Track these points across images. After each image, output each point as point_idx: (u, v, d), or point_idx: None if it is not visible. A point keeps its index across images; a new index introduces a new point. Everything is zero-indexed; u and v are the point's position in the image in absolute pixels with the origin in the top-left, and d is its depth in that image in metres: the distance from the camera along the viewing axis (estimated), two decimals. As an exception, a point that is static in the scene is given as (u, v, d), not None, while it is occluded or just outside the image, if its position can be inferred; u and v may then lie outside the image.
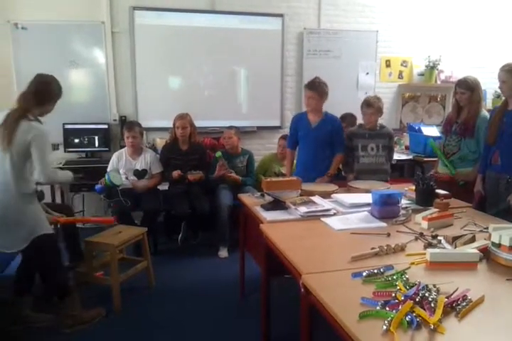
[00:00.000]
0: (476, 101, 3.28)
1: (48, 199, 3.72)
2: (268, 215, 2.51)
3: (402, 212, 2.51)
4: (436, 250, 1.89)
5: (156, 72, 4.72)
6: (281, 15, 4.87)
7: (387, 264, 1.77)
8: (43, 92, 2.55)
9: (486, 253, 1.85)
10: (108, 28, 4.50)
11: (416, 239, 2.14)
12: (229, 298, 3.17)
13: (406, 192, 2.90)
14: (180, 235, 4.24)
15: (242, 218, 3.06)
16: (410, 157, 4.82)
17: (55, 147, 4.58)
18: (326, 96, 3.48)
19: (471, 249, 1.86)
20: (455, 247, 1.97)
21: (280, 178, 2.90)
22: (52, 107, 2.65)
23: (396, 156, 4.42)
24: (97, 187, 3.75)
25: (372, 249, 1.95)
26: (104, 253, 3.25)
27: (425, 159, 4.61)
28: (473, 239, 2.02)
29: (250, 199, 2.92)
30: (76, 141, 4.52)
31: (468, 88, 3.27)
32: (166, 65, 4.74)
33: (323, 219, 2.44)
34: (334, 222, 2.38)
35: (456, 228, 2.29)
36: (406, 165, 4.99)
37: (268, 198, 2.74)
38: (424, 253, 1.84)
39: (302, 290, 1.71)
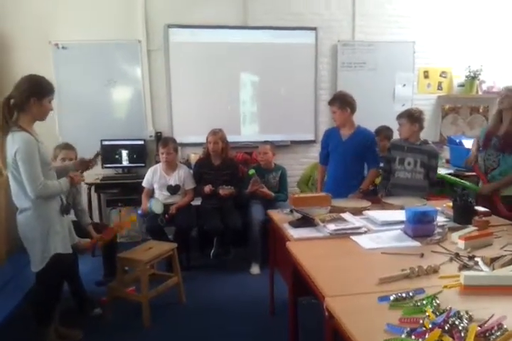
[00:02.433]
0: None
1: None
2: (295, 232, 2.45)
3: (438, 230, 2.39)
4: (472, 272, 1.78)
5: (191, 88, 4.78)
6: (314, 29, 4.84)
7: (418, 287, 1.67)
8: (15, 96, 2.35)
9: (526, 277, 1.72)
10: (144, 46, 4.61)
11: (451, 259, 2.02)
12: (258, 316, 3.11)
13: (444, 208, 2.77)
14: (212, 250, 4.23)
15: (271, 234, 3.00)
16: (451, 171, 4.62)
17: (94, 163, 4.71)
18: (351, 108, 3.39)
19: (511, 272, 1.73)
20: (493, 269, 1.85)
21: (309, 194, 2.83)
22: (43, 107, 2.41)
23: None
24: (139, 213, 4.00)
25: (403, 270, 1.85)
26: (136, 268, 3.27)
27: (467, 173, 4.40)
28: (513, 261, 1.89)
29: (279, 216, 2.87)
30: (113, 156, 4.63)
31: None
32: (200, 80, 4.79)
33: (352, 237, 2.36)
34: (364, 241, 2.29)
35: (496, 248, 2.15)
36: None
37: (297, 215, 2.68)
38: (459, 276, 1.73)
39: (326, 313, 1.63)
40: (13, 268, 3.16)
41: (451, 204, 2.70)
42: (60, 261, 2.50)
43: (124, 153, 4.64)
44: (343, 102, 3.38)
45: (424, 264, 1.90)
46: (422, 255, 2.08)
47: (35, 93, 2.37)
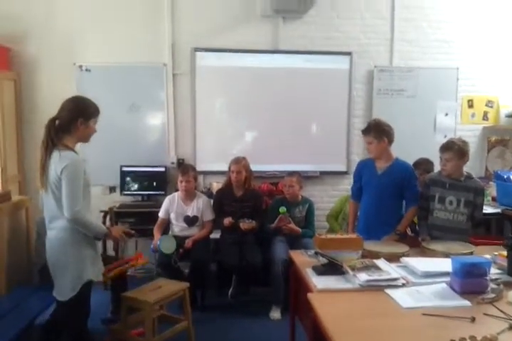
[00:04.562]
0: None
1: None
2: (319, 281, 2.11)
3: (492, 285, 2.00)
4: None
5: (216, 114, 4.58)
6: (349, 54, 4.57)
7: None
8: (62, 117, 2.31)
9: None
10: (170, 70, 4.44)
11: (510, 327, 1.63)
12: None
13: (495, 257, 2.36)
14: (231, 289, 3.87)
15: (292, 277, 2.65)
16: (498, 210, 4.15)
17: (112, 190, 4.52)
18: (389, 137, 3.05)
19: None
20: None
21: (338, 235, 2.47)
22: (88, 129, 2.37)
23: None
24: (151, 248, 3.70)
25: (451, 341, 1.48)
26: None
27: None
28: None
29: (302, 258, 2.53)
30: (132, 183, 4.41)
31: None
32: (226, 106, 4.60)
33: (387, 290, 2.00)
34: (402, 297, 1.93)
35: None
36: (493, 219, 4.31)
37: (322, 259, 2.32)
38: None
39: None
40: (11, 303, 2.94)
41: (504, 252, 2.29)
42: (90, 289, 2.33)
43: (144, 180, 4.40)
44: (379, 131, 3.04)
45: (478, 333, 1.54)
46: (474, 319, 1.71)
47: (82, 114, 2.34)
